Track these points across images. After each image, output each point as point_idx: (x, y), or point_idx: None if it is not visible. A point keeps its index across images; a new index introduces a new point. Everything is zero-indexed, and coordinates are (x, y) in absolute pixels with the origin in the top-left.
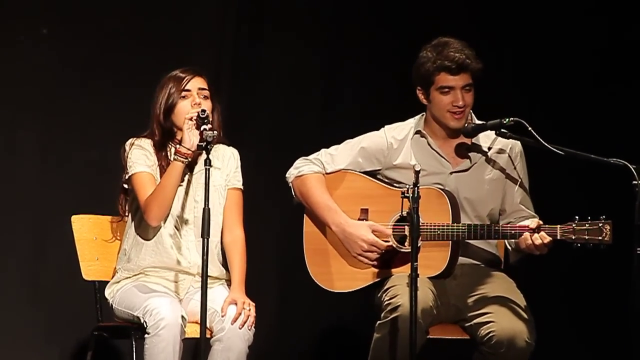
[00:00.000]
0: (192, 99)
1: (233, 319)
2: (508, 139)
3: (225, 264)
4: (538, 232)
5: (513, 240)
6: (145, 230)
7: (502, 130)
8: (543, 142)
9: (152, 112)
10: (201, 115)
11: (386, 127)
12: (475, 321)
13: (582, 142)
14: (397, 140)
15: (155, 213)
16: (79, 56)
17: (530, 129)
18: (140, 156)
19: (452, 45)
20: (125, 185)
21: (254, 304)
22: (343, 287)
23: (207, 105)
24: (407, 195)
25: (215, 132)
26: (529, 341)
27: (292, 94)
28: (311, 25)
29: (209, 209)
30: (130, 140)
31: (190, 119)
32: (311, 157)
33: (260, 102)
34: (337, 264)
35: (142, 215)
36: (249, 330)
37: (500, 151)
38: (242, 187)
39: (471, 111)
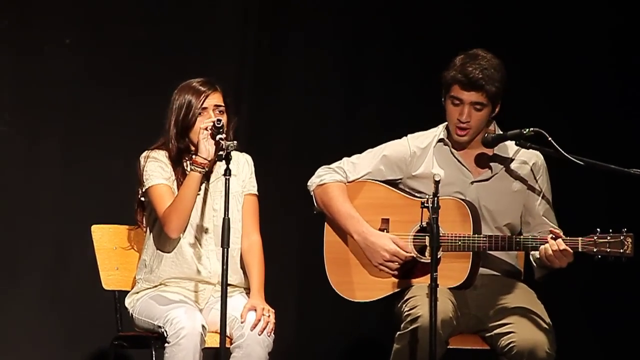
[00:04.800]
0: (207, 117)
1: (252, 325)
2: (528, 149)
3: (243, 268)
4: (555, 240)
5: (537, 257)
6: (165, 243)
7: (522, 140)
8: (563, 152)
9: (167, 124)
10: (217, 125)
11: (409, 135)
12: (495, 331)
13: (604, 154)
14: (420, 149)
15: (175, 225)
16: (101, 66)
17: (550, 139)
18: (156, 168)
19: (478, 61)
20: (142, 199)
21: (273, 311)
22: (363, 296)
23: (223, 119)
24: (427, 205)
25: (235, 142)
26: (549, 352)
27: (313, 102)
28: (333, 33)
29: (228, 219)
30: (145, 153)
31: (206, 129)
32: (333, 165)
33: (281, 110)
34: (358, 273)
35: (161, 228)
36: (269, 336)
37: (523, 163)
38: (257, 193)
39: (495, 122)
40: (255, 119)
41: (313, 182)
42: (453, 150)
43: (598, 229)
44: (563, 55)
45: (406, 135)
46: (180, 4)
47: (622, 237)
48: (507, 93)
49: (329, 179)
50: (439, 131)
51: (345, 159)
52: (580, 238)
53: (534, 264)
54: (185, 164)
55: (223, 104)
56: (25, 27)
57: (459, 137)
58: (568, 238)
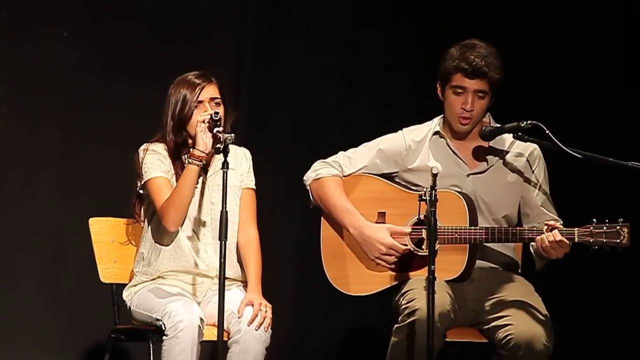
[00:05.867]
0: (204, 110)
1: (249, 320)
2: (526, 142)
3: (240, 262)
4: (551, 231)
5: (536, 247)
6: (163, 236)
7: (520, 133)
8: (561, 145)
9: (164, 118)
10: (214, 118)
11: (404, 129)
12: (493, 324)
13: (601, 145)
14: (416, 142)
15: (172, 218)
16: (99, 59)
17: (547, 132)
18: (155, 161)
19: (477, 49)
20: (141, 191)
21: (270, 306)
22: (360, 290)
23: (220, 110)
24: (425, 198)
25: (233, 135)
26: (547, 344)
27: (311, 95)
28: (331, 26)
29: (226, 212)
30: (143, 146)
31: (203, 122)
32: (329, 159)
33: (279, 103)
34: (355, 267)
35: (160, 221)
36: (266, 331)
37: (519, 155)
38: (254, 187)
39: (489, 114)
40: (254, 112)
41: (309, 177)
42: (449, 142)
43: (594, 219)
44: (561, 46)
45: (401, 129)
46: None
47: (618, 227)
48: (505, 85)
49: (325, 173)
50: (434, 124)
51: (341, 153)
52: (576, 228)
53: (534, 255)
54: (183, 157)
55: (219, 96)
56: (23, 19)
57: (462, 126)
58: (564, 229)
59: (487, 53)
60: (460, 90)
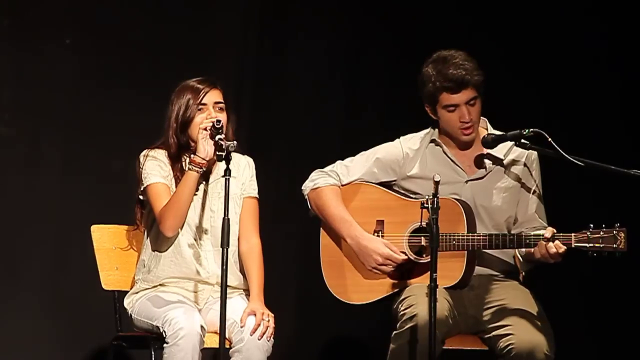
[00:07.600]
0: (207, 113)
1: (252, 329)
2: (528, 150)
3: (242, 271)
4: (553, 241)
5: (524, 250)
6: (162, 242)
7: (522, 141)
8: (563, 153)
9: (167, 122)
10: (216, 126)
11: (401, 138)
12: (494, 333)
13: (601, 153)
14: (413, 150)
15: (170, 223)
16: (101, 67)
17: (550, 139)
18: (154, 167)
19: (450, 61)
20: (141, 197)
21: (273, 315)
22: (360, 299)
23: (222, 117)
24: (427, 206)
25: (235, 142)
26: (548, 354)
27: (312, 105)
28: (333, 35)
29: (228, 219)
30: (144, 152)
31: (205, 129)
32: (326, 169)
33: (281, 112)
34: (354, 276)
35: (158, 226)
36: (268, 341)
37: (516, 159)
38: (257, 196)
39: (487, 120)
40: (256, 121)
41: (307, 187)
42: (446, 150)
43: (591, 225)
44: (561, 54)
45: (398, 138)
46: (180, 4)
47: (614, 232)
48: (506, 93)
49: (323, 183)
50: (430, 132)
51: (338, 162)
52: (573, 234)
53: (520, 258)
54: (184, 161)
55: (223, 101)
56: (26, 27)
57: (466, 136)
58: (561, 234)
59: (460, 60)
60: (452, 108)
